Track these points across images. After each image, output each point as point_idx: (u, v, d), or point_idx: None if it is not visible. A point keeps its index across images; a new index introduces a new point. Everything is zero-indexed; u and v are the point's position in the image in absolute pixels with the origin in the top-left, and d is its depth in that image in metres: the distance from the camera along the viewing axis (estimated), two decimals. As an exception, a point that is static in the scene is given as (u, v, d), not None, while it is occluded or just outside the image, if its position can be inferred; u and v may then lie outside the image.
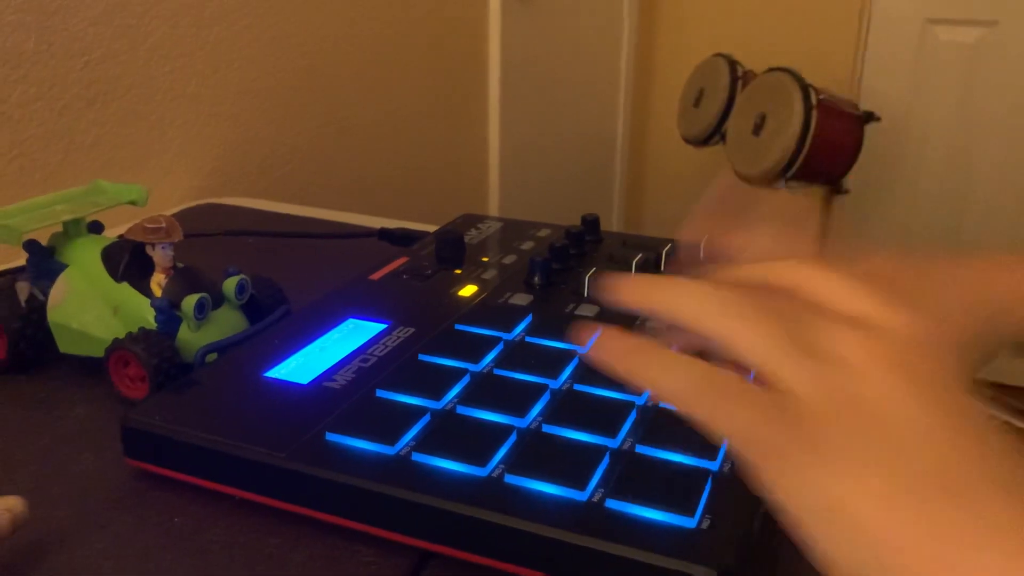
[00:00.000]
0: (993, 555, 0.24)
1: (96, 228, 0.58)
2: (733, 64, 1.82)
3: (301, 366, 0.48)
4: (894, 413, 0.27)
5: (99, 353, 0.50)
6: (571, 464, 0.38)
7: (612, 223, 2.36)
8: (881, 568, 0.25)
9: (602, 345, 0.31)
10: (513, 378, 0.46)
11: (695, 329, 0.30)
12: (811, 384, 0.28)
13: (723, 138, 1.83)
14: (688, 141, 1.93)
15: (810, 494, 0.27)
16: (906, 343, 0.29)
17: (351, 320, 0.53)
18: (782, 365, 0.28)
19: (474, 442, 0.40)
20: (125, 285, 0.52)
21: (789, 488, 0.27)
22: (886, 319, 0.29)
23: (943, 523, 0.25)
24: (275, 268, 0.60)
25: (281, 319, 0.54)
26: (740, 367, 0.29)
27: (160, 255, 0.52)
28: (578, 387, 0.45)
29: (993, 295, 0.39)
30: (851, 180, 1.84)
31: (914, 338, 0.29)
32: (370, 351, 0.49)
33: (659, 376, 0.30)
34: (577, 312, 0.55)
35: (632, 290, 0.32)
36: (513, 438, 0.41)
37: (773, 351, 0.29)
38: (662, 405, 0.44)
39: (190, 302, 0.49)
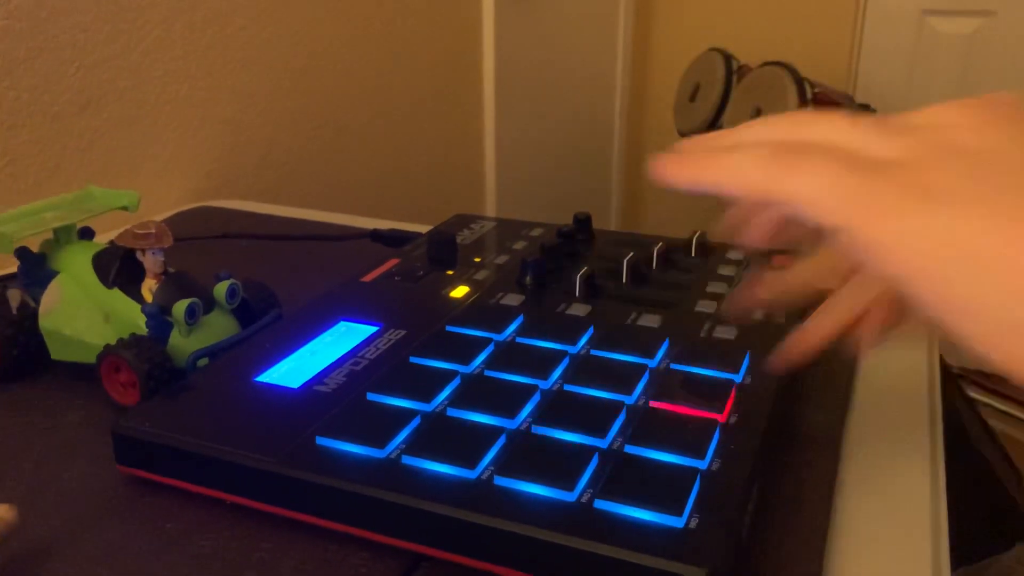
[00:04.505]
0: None
1: (87, 234, 0.58)
2: (728, 58, 1.82)
3: (292, 370, 0.48)
4: (999, 154, 0.28)
5: (91, 359, 0.50)
6: (560, 465, 0.38)
7: (610, 221, 2.36)
8: (1018, 296, 0.25)
9: (664, 163, 0.32)
10: (503, 379, 0.46)
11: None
12: (905, 146, 0.29)
13: (720, 133, 1.83)
14: (684, 136, 1.93)
15: (928, 240, 0.27)
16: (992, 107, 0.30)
17: (342, 323, 0.53)
18: (868, 142, 0.29)
19: (464, 444, 0.40)
20: (116, 291, 0.52)
21: (899, 238, 0.27)
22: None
23: None
24: (267, 270, 0.60)
25: (272, 323, 0.54)
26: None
27: (150, 260, 0.52)
28: (568, 387, 0.45)
29: None
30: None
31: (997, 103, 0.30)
32: (361, 354, 0.49)
33: (725, 163, 0.31)
34: (569, 311, 0.55)
35: (680, 169, 0.33)
36: (503, 440, 0.41)
37: (856, 133, 0.30)
38: (652, 404, 0.43)
39: (180, 307, 0.50)
